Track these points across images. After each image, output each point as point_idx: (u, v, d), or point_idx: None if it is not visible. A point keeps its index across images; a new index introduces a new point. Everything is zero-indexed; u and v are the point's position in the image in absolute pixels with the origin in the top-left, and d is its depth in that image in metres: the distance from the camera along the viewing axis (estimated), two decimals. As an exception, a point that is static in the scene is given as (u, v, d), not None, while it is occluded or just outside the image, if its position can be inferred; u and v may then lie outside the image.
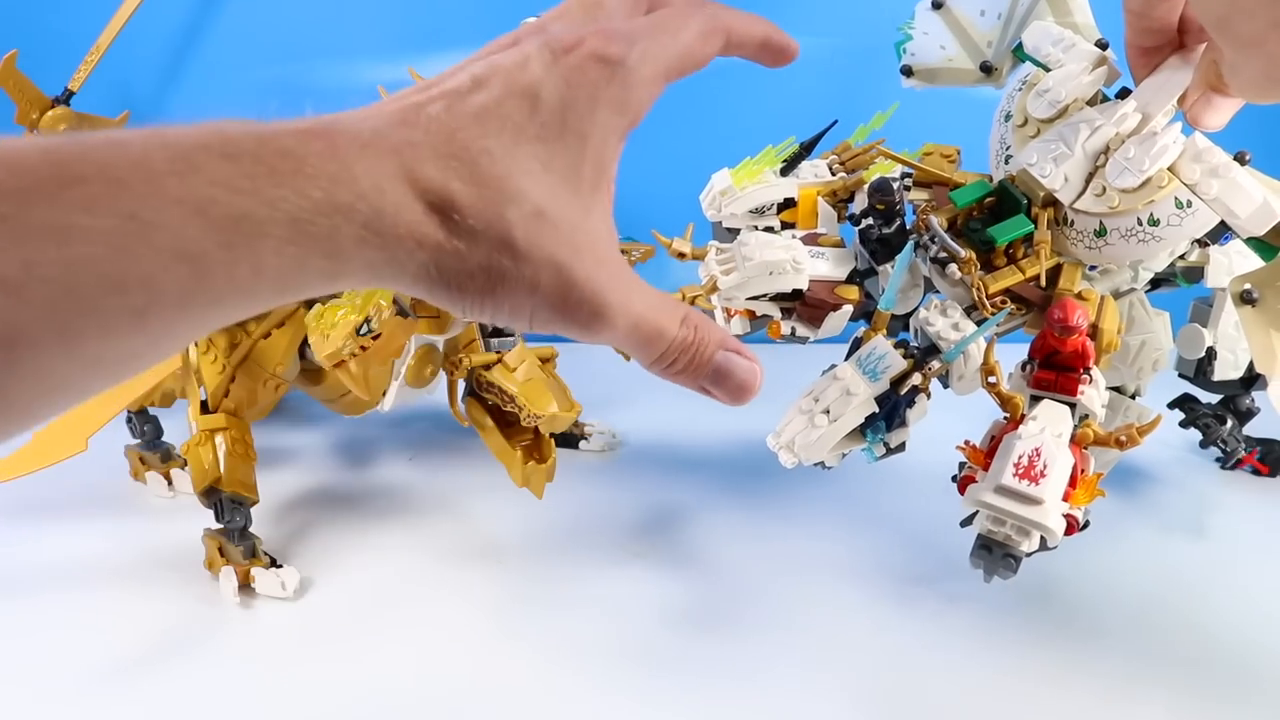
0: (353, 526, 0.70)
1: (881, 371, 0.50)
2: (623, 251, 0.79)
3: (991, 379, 0.50)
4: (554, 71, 0.27)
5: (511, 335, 0.64)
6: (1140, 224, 0.51)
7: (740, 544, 0.67)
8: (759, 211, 0.62)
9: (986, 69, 0.64)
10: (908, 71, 0.68)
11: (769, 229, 0.59)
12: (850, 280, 0.57)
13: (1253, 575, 0.62)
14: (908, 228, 0.56)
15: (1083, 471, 0.48)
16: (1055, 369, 0.50)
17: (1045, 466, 0.46)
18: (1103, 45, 0.56)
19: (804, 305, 0.56)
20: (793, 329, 0.57)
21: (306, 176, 0.23)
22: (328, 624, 0.59)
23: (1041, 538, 0.48)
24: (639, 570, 0.64)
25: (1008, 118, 0.58)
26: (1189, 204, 0.50)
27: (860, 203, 0.60)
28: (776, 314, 0.56)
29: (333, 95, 0.98)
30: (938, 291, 0.56)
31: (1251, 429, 0.71)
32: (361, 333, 0.55)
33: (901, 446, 0.53)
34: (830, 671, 0.54)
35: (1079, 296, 0.52)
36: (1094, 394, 0.50)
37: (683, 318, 0.31)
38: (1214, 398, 0.69)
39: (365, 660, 0.56)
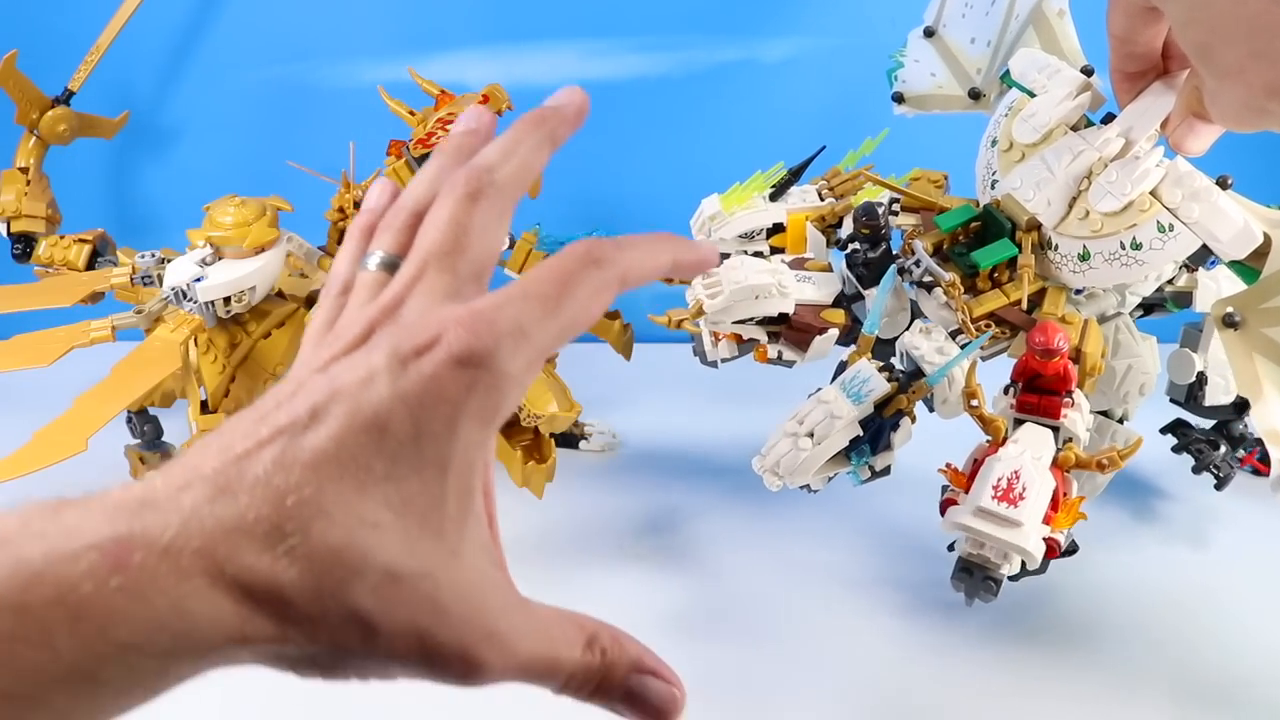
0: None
1: (865, 394, 0.51)
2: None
3: (974, 402, 0.50)
4: (403, 389, 0.23)
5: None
6: (1123, 247, 0.51)
7: (739, 545, 0.67)
8: (748, 236, 0.62)
9: (975, 95, 0.64)
10: (899, 99, 0.69)
11: (758, 254, 0.60)
12: (837, 304, 0.58)
13: (1253, 581, 0.62)
14: (894, 252, 0.57)
15: (1065, 495, 0.48)
16: (1038, 392, 0.50)
17: (1024, 489, 0.46)
18: (1088, 72, 0.56)
19: (790, 329, 0.56)
20: (779, 353, 0.57)
21: (87, 623, 0.20)
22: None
23: (1023, 561, 0.48)
24: (638, 571, 0.64)
25: (993, 143, 0.58)
26: (1170, 228, 0.50)
27: (848, 228, 0.60)
28: (763, 338, 0.57)
29: (333, 95, 0.98)
30: (924, 316, 0.57)
31: (1252, 429, 0.70)
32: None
33: (887, 470, 0.53)
34: (827, 676, 0.54)
35: (1062, 320, 0.53)
36: (1077, 417, 0.50)
37: (586, 641, 0.27)
38: (1206, 422, 0.68)
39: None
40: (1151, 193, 0.51)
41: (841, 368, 0.54)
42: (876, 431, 0.51)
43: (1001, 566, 0.47)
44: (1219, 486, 0.65)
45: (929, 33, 0.69)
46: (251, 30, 0.98)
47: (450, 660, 0.25)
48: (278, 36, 0.98)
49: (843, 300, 0.58)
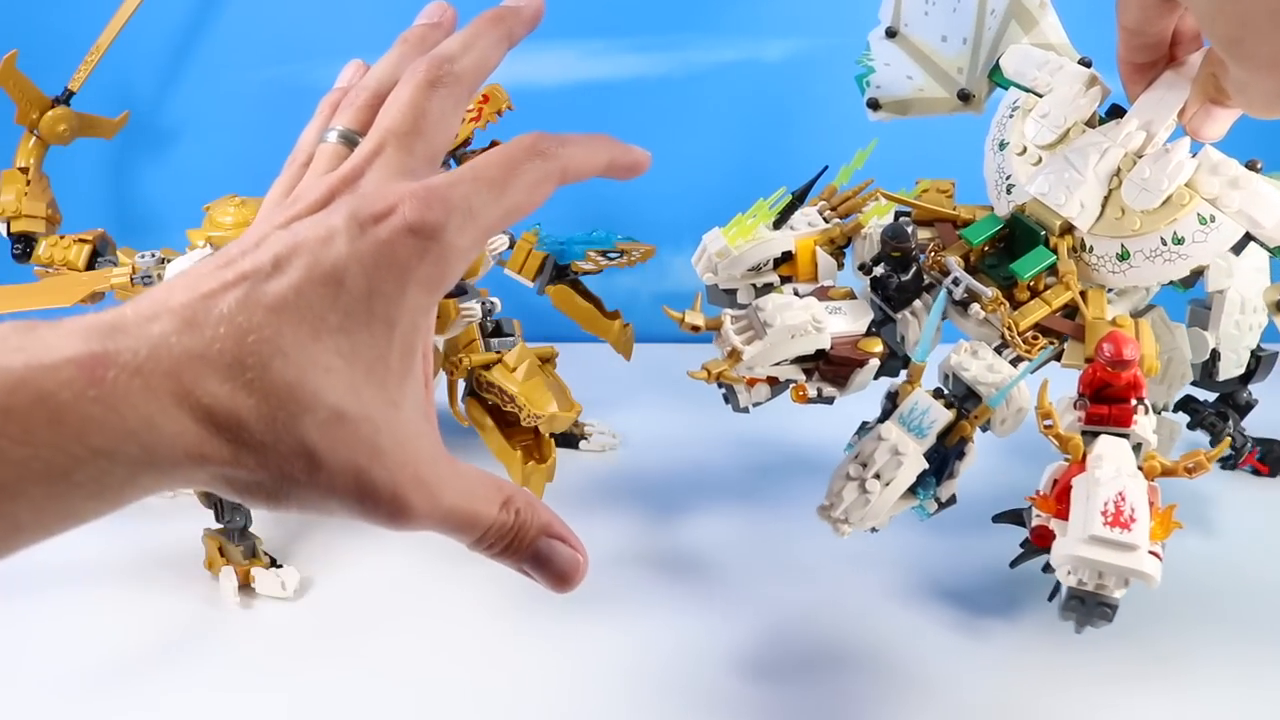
0: (353, 527, 0.70)
1: (928, 427, 0.49)
2: (622, 251, 0.79)
3: (1048, 422, 0.48)
4: (360, 249, 0.25)
5: (511, 335, 0.64)
6: (1164, 243, 0.50)
7: (740, 546, 0.67)
8: (756, 269, 0.60)
9: (964, 96, 0.62)
10: (874, 105, 0.66)
11: (768, 285, 0.58)
12: (869, 333, 0.55)
13: (1255, 574, 0.62)
14: (942, 284, 0.54)
15: (1155, 506, 0.46)
16: (1108, 402, 0.49)
17: (1133, 510, 0.43)
18: (1086, 64, 0.56)
19: (828, 364, 0.53)
20: (819, 390, 0.54)
21: (64, 426, 0.21)
22: (328, 624, 0.59)
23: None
24: (638, 571, 0.64)
25: (1002, 146, 0.57)
26: (1212, 219, 0.49)
27: (860, 250, 0.59)
28: (801, 377, 0.54)
29: (333, 95, 0.98)
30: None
31: (1252, 429, 0.71)
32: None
33: (952, 499, 0.51)
34: (825, 679, 0.54)
35: (1113, 323, 0.51)
36: (1146, 422, 0.49)
37: (504, 501, 0.30)
38: (1209, 397, 0.69)
39: (365, 660, 0.56)
40: (1187, 184, 0.50)
41: (889, 398, 0.52)
42: (941, 462, 0.49)
43: (1115, 590, 0.44)
44: (1228, 461, 0.66)
45: (891, 33, 0.67)
46: (251, 30, 0.98)
47: (381, 500, 0.26)
48: (277, 36, 0.98)
49: (872, 327, 0.55)
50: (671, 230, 1.00)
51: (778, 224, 0.60)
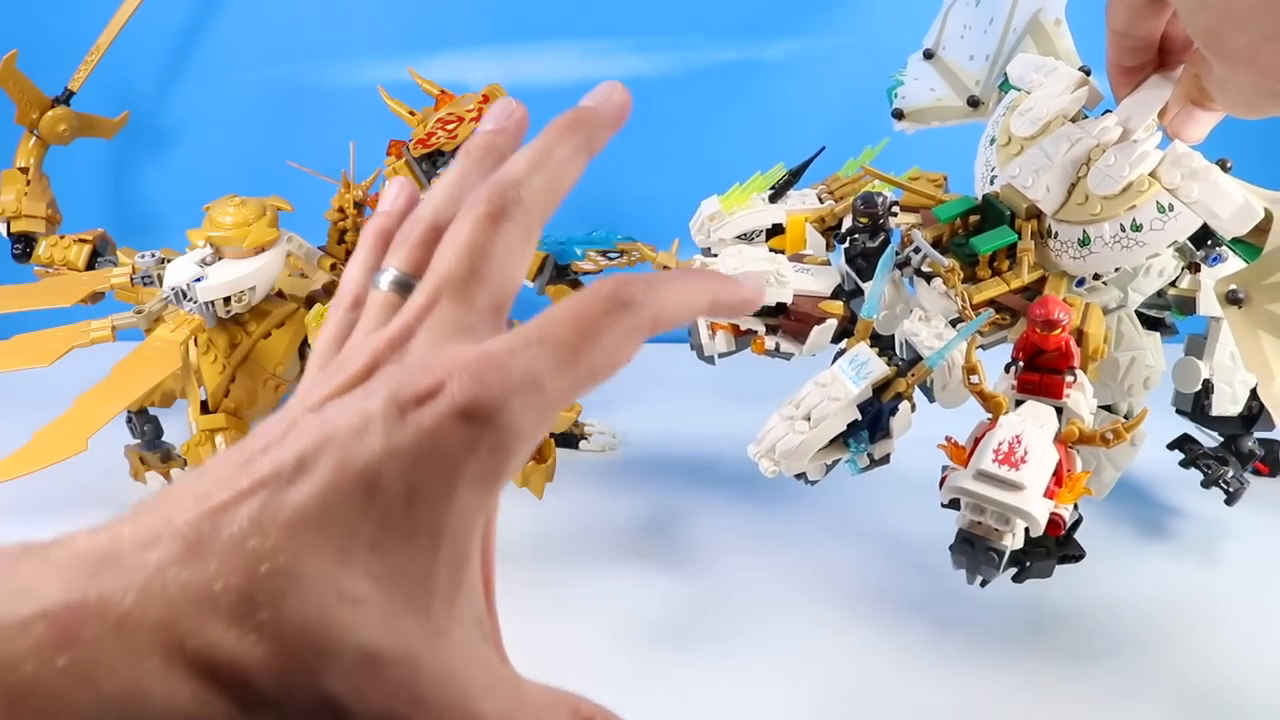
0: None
1: (864, 376, 0.50)
2: (622, 251, 0.79)
3: (974, 378, 0.49)
4: (398, 442, 0.20)
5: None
6: (1123, 229, 0.51)
7: (739, 546, 0.66)
8: (747, 237, 0.61)
9: (974, 102, 0.65)
10: (899, 115, 0.69)
11: None
12: (835, 297, 0.57)
13: (1262, 594, 0.62)
14: (894, 244, 0.56)
15: (1069, 471, 0.47)
16: (1040, 370, 0.49)
17: (1026, 452, 0.44)
18: (1085, 71, 0.57)
19: (788, 319, 0.55)
20: (777, 345, 0.56)
21: (21, 712, 0.18)
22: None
23: (1027, 561, 0.47)
24: (639, 571, 0.64)
25: (992, 141, 0.59)
26: (1170, 207, 0.50)
27: (847, 224, 0.60)
28: (761, 329, 0.56)
29: (333, 95, 0.98)
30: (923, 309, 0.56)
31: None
32: (362, 333, 0.55)
33: (886, 459, 0.51)
34: (822, 683, 0.54)
35: (1064, 301, 0.52)
36: (1080, 398, 0.49)
37: (573, 711, 0.26)
38: (1212, 440, 0.67)
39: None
40: (1150, 174, 0.51)
41: (837, 355, 0.53)
42: (875, 417, 0.50)
43: (1004, 536, 0.45)
44: (1229, 502, 0.63)
45: (928, 55, 0.70)
46: (251, 30, 0.98)
47: None
48: (278, 36, 0.98)
49: (841, 294, 0.57)
50: (671, 230, 1.00)
51: (773, 199, 0.61)
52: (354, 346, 0.25)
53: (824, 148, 0.64)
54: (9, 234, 0.81)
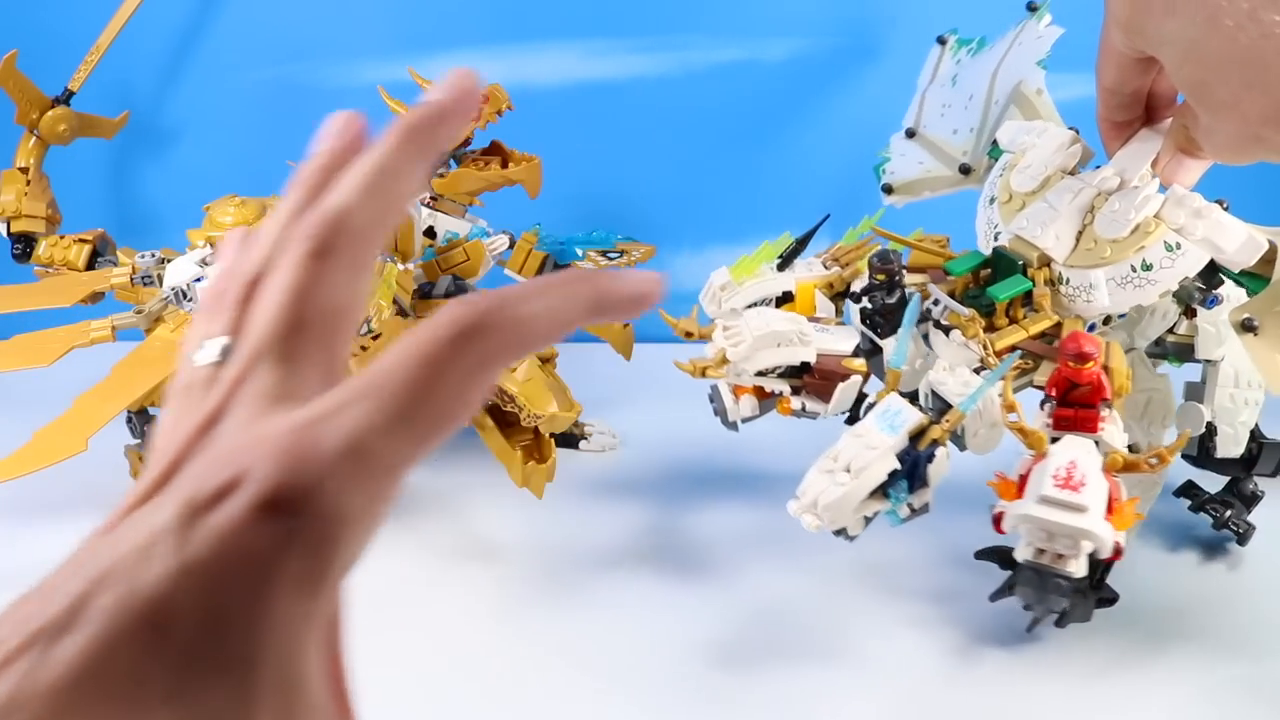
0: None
1: (900, 425, 0.50)
2: (622, 251, 0.79)
3: (1013, 415, 0.49)
4: (189, 558, 0.16)
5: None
6: (1134, 270, 0.53)
7: (739, 546, 0.66)
8: (758, 306, 0.63)
9: (965, 170, 0.68)
10: (889, 190, 0.72)
11: None
12: (854, 354, 0.58)
13: (1255, 573, 0.62)
14: (917, 295, 0.57)
15: (1116, 499, 0.47)
16: (1073, 406, 0.50)
17: (1084, 475, 0.45)
18: (1073, 130, 0.61)
19: (813, 378, 0.56)
20: (803, 404, 0.57)
21: None
22: (328, 624, 0.59)
23: (1070, 607, 0.47)
24: (639, 571, 0.64)
25: (992, 200, 0.61)
26: (1178, 245, 0.53)
27: (858, 286, 0.61)
28: (786, 389, 0.57)
29: (333, 95, 0.98)
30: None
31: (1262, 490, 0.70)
32: (361, 332, 0.55)
33: (925, 508, 0.52)
34: (827, 680, 0.54)
35: None
36: (1114, 430, 0.50)
37: None
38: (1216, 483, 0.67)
39: (365, 661, 0.55)
40: (1155, 215, 0.53)
41: (867, 408, 0.53)
42: (913, 465, 0.50)
43: (1069, 563, 0.44)
44: (1240, 543, 0.64)
45: (910, 133, 0.73)
46: (251, 30, 0.98)
47: None
48: (278, 36, 0.98)
49: (859, 354, 0.58)
50: (671, 230, 1.00)
51: (781, 267, 0.63)
52: (163, 443, 0.20)
53: (828, 215, 0.66)
54: (9, 234, 0.81)
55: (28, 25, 0.95)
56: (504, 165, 0.61)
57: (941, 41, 0.76)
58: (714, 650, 0.56)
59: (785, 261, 0.64)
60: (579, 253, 0.78)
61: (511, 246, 0.77)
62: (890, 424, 0.50)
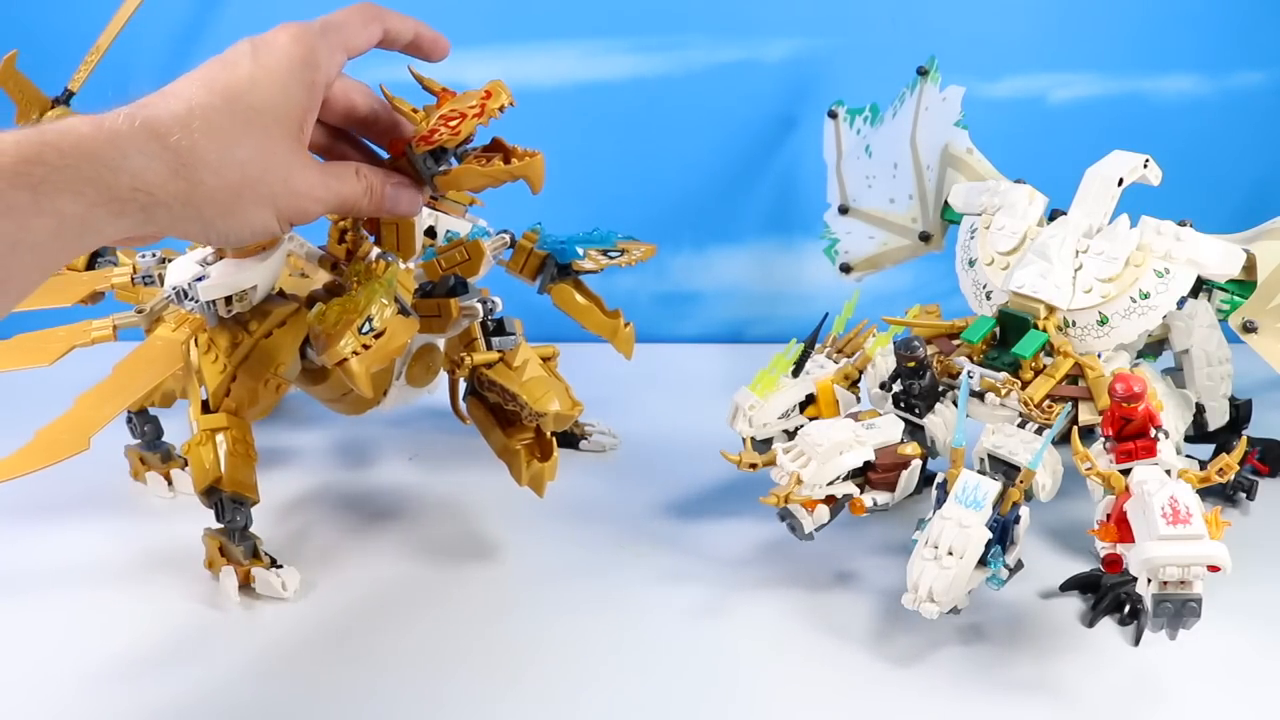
0: (353, 527, 0.70)
1: (983, 499, 0.52)
2: (622, 251, 0.79)
3: (1087, 465, 0.52)
4: (255, 64, 0.44)
5: (513, 334, 0.64)
6: (1134, 300, 0.60)
7: (739, 546, 0.67)
8: (786, 415, 0.66)
9: (925, 237, 0.75)
10: (846, 269, 0.80)
11: (799, 429, 0.61)
12: (903, 440, 0.60)
13: (1255, 573, 0.62)
14: (964, 372, 0.61)
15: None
16: (1129, 439, 0.54)
17: (1188, 508, 0.48)
18: (1021, 182, 0.67)
19: (876, 473, 0.58)
20: (874, 500, 0.59)
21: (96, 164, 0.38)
22: (328, 624, 0.59)
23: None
24: (639, 570, 0.64)
25: (971, 263, 0.67)
26: (1167, 270, 0.60)
27: (872, 378, 0.66)
28: (856, 490, 0.58)
29: (333, 95, 0.98)
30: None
31: (1251, 430, 0.71)
32: (364, 331, 0.55)
33: (1020, 564, 0.54)
34: (826, 679, 0.54)
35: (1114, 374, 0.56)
36: (1169, 449, 0.54)
37: (354, 172, 0.49)
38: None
39: (365, 661, 0.56)
40: (1139, 247, 0.60)
41: (939, 489, 0.55)
42: (1002, 530, 0.52)
43: (1194, 585, 0.47)
44: (1250, 497, 0.68)
45: (843, 210, 0.79)
46: (251, 30, 0.98)
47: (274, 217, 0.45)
48: (278, 36, 0.98)
49: (904, 435, 0.60)
50: (671, 230, 1.00)
51: (795, 373, 0.66)
52: None
53: (827, 314, 0.69)
54: (9, 234, 0.81)
55: (28, 25, 0.95)
56: (506, 162, 0.61)
57: (832, 115, 0.81)
58: (714, 650, 0.56)
59: (799, 367, 0.67)
60: (579, 251, 0.78)
61: (512, 246, 0.77)
62: (972, 500, 0.52)
